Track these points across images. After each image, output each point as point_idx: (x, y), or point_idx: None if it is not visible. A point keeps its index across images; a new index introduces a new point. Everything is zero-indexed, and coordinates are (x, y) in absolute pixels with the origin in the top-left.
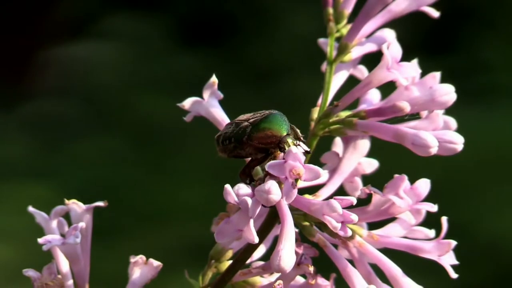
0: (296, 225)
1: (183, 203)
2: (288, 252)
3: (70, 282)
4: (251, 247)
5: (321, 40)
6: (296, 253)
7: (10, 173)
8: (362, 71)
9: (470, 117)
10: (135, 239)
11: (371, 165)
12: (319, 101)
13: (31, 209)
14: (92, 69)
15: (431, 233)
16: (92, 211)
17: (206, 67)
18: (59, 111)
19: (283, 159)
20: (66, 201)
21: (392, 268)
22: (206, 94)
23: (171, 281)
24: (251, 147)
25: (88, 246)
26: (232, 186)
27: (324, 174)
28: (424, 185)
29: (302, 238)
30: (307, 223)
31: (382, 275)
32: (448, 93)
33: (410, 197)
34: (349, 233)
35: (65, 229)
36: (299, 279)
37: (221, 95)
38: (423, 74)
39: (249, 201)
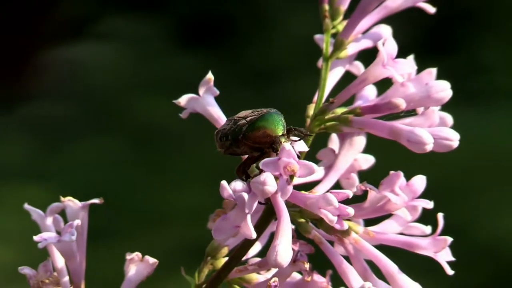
0: (292, 222)
1: (183, 204)
2: (285, 247)
3: (66, 279)
4: (247, 244)
5: (317, 36)
6: (292, 250)
7: (9, 174)
8: (358, 67)
9: (468, 118)
10: (134, 240)
11: (367, 161)
12: (315, 98)
13: (26, 206)
14: (91, 70)
15: (427, 229)
16: (88, 208)
17: (205, 68)
18: (59, 112)
19: (277, 156)
20: (62, 198)
21: (388, 264)
22: (202, 90)
23: (170, 281)
24: (246, 146)
25: (83, 243)
26: (229, 183)
27: (318, 170)
28: (420, 182)
29: (298, 235)
30: (303, 220)
31: (378, 272)
32: (444, 90)
33: (406, 193)
34: (345, 226)
35: (61, 226)
36: (295, 276)
37: (217, 92)
38: None
39: (246, 196)
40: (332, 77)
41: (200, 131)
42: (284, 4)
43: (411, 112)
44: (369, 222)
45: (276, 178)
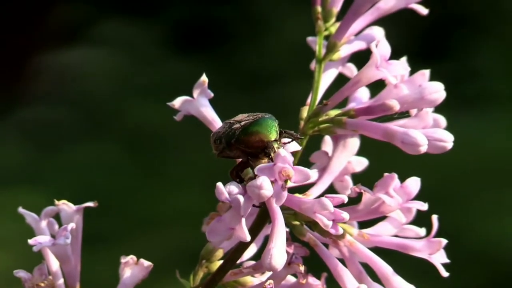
0: (286, 225)
1: (177, 209)
2: (279, 250)
3: (61, 281)
4: (242, 247)
5: (309, 39)
6: (287, 252)
7: (5, 178)
8: (351, 69)
9: (462, 122)
10: (128, 243)
11: (361, 164)
12: (308, 100)
13: (21, 210)
14: (86, 75)
15: (422, 231)
16: (82, 211)
17: (199, 73)
18: (54, 117)
19: (272, 162)
20: (56, 202)
21: (383, 267)
22: (196, 93)
23: (165, 284)
24: (238, 150)
25: (78, 246)
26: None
27: (313, 175)
28: (414, 184)
29: (292, 237)
30: (297, 223)
31: (373, 274)
32: (438, 91)
33: (400, 195)
34: (340, 231)
35: (55, 230)
36: (290, 279)
37: (211, 94)
38: None
39: (241, 199)
40: (325, 79)
41: (195, 134)
42: (276, 9)
43: (404, 114)
44: (363, 224)
45: (272, 183)
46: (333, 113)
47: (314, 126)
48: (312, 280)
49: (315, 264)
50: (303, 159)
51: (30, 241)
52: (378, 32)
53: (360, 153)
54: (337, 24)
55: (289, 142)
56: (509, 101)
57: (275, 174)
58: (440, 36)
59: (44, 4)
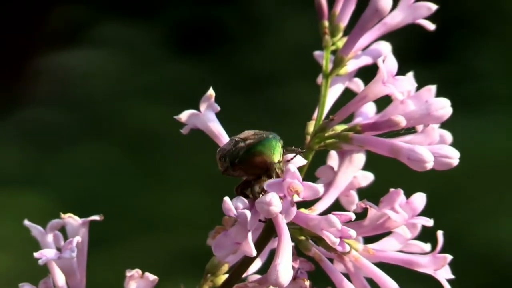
0: (292, 240)
1: (177, 211)
2: (285, 266)
3: None
4: (247, 261)
5: (316, 53)
6: (292, 267)
7: (3, 180)
8: (358, 84)
9: (462, 124)
10: (128, 245)
11: (367, 179)
12: (315, 115)
13: (26, 222)
14: (86, 75)
15: (427, 247)
16: (88, 224)
17: (199, 74)
18: (53, 118)
19: (282, 178)
20: (62, 215)
21: (388, 282)
22: (203, 107)
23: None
24: (241, 170)
25: (84, 260)
26: (228, 195)
27: (322, 191)
28: (419, 200)
29: (298, 252)
30: (303, 237)
31: None
32: (444, 107)
33: (406, 211)
34: (347, 248)
35: (61, 243)
36: None
37: (218, 108)
38: (417, 82)
39: (248, 214)
40: (332, 94)
41: (195, 137)
42: (277, 11)
43: (410, 130)
44: (368, 240)
45: (280, 198)
46: (339, 128)
47: (321, 141)
48: None
49: (320, 279)
50: (309, 174)
51: (36, 255)
52: (385, 47)
53: (365, 167)
54: (344, 39)
55: (292, 158)
56: (509, 102)
57: (284, 189)
58: (440, 36)
59: (44, 4)
